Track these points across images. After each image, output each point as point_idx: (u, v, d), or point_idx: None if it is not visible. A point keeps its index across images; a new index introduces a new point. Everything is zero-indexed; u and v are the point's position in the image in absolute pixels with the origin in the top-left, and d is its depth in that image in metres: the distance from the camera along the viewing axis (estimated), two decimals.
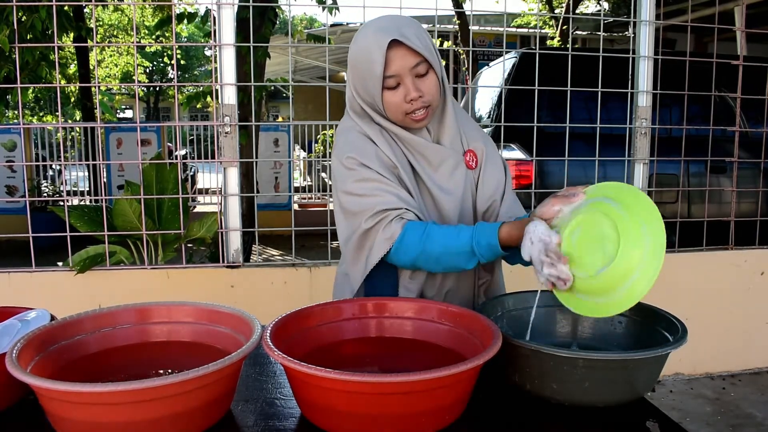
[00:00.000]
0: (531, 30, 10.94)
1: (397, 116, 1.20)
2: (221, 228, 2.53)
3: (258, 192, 5.29)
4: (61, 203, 3.14)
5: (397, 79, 1.16)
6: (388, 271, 1.22)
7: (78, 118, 10.87)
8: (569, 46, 3.29)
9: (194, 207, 8.07)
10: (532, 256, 1.02)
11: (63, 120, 7.96)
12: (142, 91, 22.08)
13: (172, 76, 24.83)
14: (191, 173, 9.06)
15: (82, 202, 6.68)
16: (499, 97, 3.60)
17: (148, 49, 23.35)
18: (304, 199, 8.50)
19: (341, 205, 1.23)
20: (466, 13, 7.83)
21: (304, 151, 9.94)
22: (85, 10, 6.49)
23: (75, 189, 7.92)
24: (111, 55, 16.01)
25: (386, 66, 1.15)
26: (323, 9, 4.30)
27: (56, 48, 2.45)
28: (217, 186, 7.72)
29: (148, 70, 23.71)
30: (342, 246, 1.28)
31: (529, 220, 1.06)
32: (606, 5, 10.08)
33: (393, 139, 1.24)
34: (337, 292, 1.36)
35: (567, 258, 0.99)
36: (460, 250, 1.11)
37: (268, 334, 0.94)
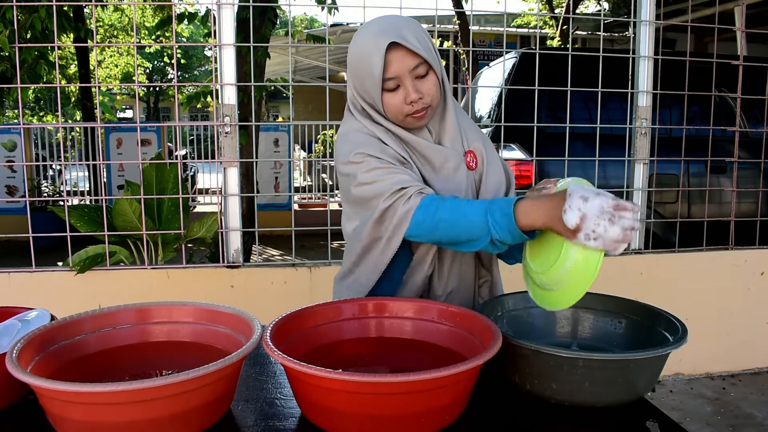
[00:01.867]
0: (531, 30, 10.94)
1: (397, 117, 1.20)
2: (221, 228, 2.53)
3: (258, 192, 5.29)
4: (61, 203, 3.14)
5: (397, 81, 1.16)
6: (391, 272, 1.22)
7: (78, 118, 10.87)
8: (569, 46, 3.29)
9: (194, 207, 8.08)
10: (590, 213, 0.90)
11: (63, 120, 7.97)
12: (142, 91, 22.09)
13: (172, 76, 24.84)
14: (191, 173, 9.06)
15: (82, 202, 6.68)
16: (499, 97, 3.60)
17: (148, 50, 23.36)
18: (304, 199, 8.50)
19: (355, 199, 1.20)
20: (466, 13, 7.83)
21: (304, 151, 9.94)
22: (85, 10, 6.49)
23: (75, 189, 7.92)
24: (111, 56, 16.02)
25: (385, 68, 1.14)
26: (322, 9, 4.30)
27: (56, 48, 2.46)
28: (217, 186, 7.72)
29: (148, 70, 23.72)
30: (350, 241, 1.25)
31: (558, 191, 1.00)
32: (606, 5, 10.08)
33: (396, 139, 1.24)
34: (336, 295, 1.35)
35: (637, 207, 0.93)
36: (474, 218, 1.05)
37: (268, 334, 0.94)
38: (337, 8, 4.34)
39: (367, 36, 1.16)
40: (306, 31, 9.36)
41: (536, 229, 1.01)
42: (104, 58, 15.71)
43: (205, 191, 9.10)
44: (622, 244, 0.91)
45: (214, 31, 2.43)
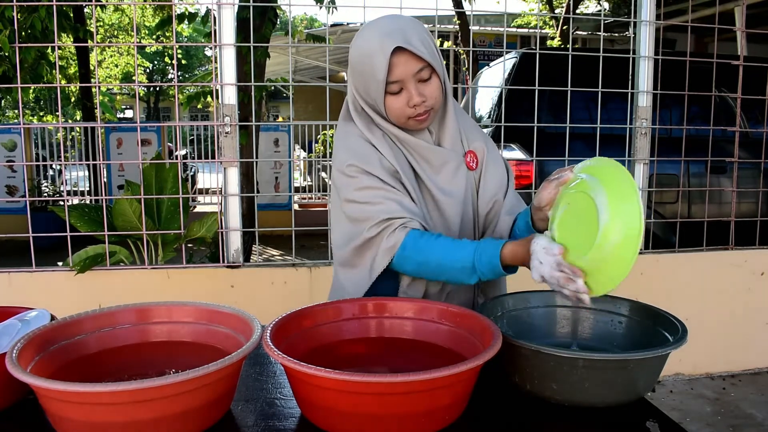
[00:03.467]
0: (531, 30, 10.94)
1: (399, 119, 1.20)
2: (221, 228, 2.53)
3: (258, 192, 5.29)
4: (62, 203, 3.14)
5: (400, 84, 1.15)
6: (389, 275, 1.22)
7: (78, 118, 10.87)
8: (569, 46, 3.29)
9: (194, 207, 8.08)
10: (545, 275, 0.98)
11: (63, 120, 7.97)
12: (143, 91, 22.09)
13: (172, 76, 24.84)
14: (191, 173, 9.06)
15: (82, 202, 6.68)
16: (500, 97, 3.60)
17: (148, 50, 23.36)
18: (305, 199, 8.50)
19: (344, 213, 1.22)
20: (466, 13, 7.82)
21: (305, 151, 9.94)
22: (85, 11, 6.49)
23: (75, 189, 7.92)
24: (111, 56, 16.02)
25: (390, 72, 1.13)
26: (320, 8, 4.29)
27: (56, 47, 2.46)
28: (217, 186, 7.72)
29: (148, 70, 23.72)
30: (337, 249, 1.26)
31: (530, 237, 1.04)
32: (606, 5, 10.08)
33: (394, 143, 1.24)
34: (334, 295, 1.35)
35: (580, 271, 0.95)
36: (462, 265, 1.10)
37: (268, 334, 0.94)
38: (335, 7, 4.34)
39: (372, 37, 1.15)
40: (306, 31, 9.37)
41: (516, 264, 1.08)
42: (104, 58, 15.71)
43: (205, 191, 9.10)
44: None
45: (215, 31, 2.43)
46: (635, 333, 1.15)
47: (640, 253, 3.06)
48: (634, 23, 2.80)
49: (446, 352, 1.07)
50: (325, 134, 9.30)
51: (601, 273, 0.95)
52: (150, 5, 11.02)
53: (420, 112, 1.17)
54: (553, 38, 8.86)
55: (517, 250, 1.06)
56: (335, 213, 1.27)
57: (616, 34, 10.05)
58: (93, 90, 7.23)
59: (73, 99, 10.00)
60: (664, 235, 3.49)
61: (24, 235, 2.49)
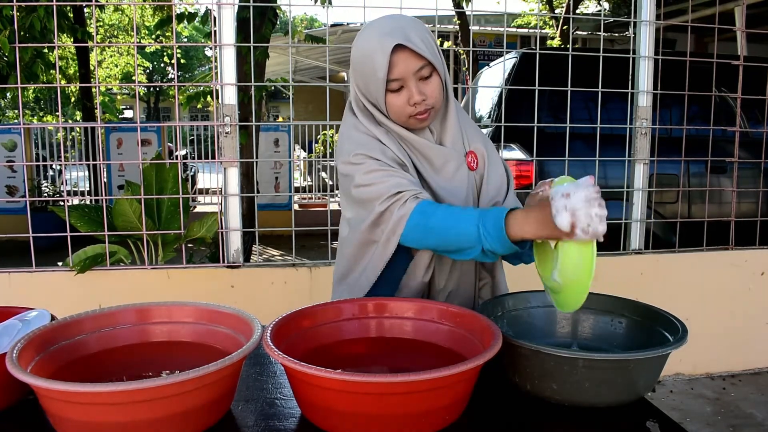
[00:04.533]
0: (531, 30, 10.95)
1: (400, 118, 1.20)
2: (221, 228, 2.53)
3: (258, 192, 5.29)
4: (62, 203, 3.14)
5: (401, 82, 1.16)
6: (390, 273, 1.22)
7: (78, 118, 10.87)
8: (569, 46, 3.29)
9: (194, 207, 8.08)
10: (579, 207, 0.90)
11: (63, 120, 7.96)
12: (143, 91, 22.09)
13: (172, 76, 24.85)
14: (191, 173, 9.06)
15: (82, 202, 6.68)
16: (500, 97, 3.60)
17: (148, 50, 23.37)
18: (305, 199, 8.50)
19: (353, 199, 1.21)
20: (467, 13, 7.82)
21: (305, 151, 9.95)
22: (85, 11, 6.49)
23: (75, 189, 7.92)
24: (111, 56, 16.03)
25: (390, 69, 1.14)
26: (315, 2, 4.28)
27: (56, 47, 2.46)
28: (217, 186, 7.72)
29: (148, 70, 23.72)
30: (344, 242, 1.26)
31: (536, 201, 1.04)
32: (606, 5, 10.09)
33: (396, 140, 1.24)
34: (335, 296, 1.35)
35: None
36: (466, 227, 1.05)
37: (268, 334, 0.94)
38: (330, 4, 4.34)
39: (373, 36, 1.15)
40: (306, 31, 9.37)
41: (527, 239, 1.02)
42: (104, 59, 15.72)
43: (205, 191, 9.11)
44: (603, 226, 0.91)
45: (214, 32, 2.43)
46: (635, 333, 1.15)
47: (641, 252, 3.05)
48: (634, 23, 2.80)
49: (446, 352, 1.06)
50: (325, 134, 9.30)
51: (568, 291, 0.99)
52: (150, 5, 11.02)
53: (420, 111, 1.17)
54: (553, 38, 8.86)
55: (528, 213, 1.00)
56: (346, 205, 1.26)
57: (616, 34, 10.05)
58: (93, 90, 7.23)
59: (73, 99, 10.00)
60: (664, 235, 3.49)
61: (24, 235, 2.49)
